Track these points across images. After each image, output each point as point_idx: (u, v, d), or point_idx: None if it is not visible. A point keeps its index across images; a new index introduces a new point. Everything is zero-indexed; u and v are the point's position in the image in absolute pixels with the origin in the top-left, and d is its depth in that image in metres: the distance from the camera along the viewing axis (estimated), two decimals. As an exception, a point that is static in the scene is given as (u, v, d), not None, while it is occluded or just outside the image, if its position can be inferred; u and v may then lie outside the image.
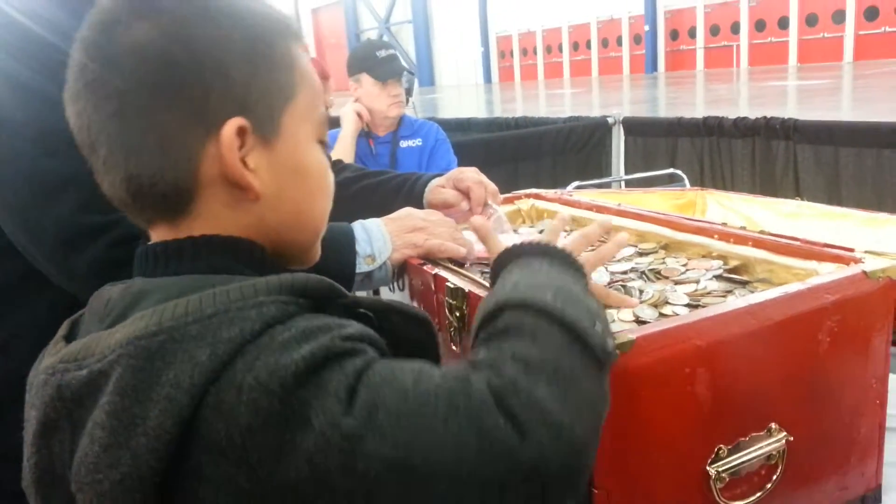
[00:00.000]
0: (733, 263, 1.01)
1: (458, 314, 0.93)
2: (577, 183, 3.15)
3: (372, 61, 2.65)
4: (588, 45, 25.09)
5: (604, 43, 24.70)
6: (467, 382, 0.50)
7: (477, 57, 29.00)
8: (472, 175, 1.26)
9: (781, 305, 0.78)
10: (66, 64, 0.92)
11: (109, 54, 0.57)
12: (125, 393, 0.49)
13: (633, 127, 4.22)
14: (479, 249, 1.09)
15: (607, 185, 3.74)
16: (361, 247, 1.05)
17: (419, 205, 1.26)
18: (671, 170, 3.50)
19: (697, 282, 0.96)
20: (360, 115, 2.70)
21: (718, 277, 0.98)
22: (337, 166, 1.41)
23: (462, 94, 22.44)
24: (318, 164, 0.65)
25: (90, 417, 0.51)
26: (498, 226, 1.18)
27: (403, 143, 2.83)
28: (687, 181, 3.37)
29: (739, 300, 0.80)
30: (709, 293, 0.92)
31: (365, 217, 1.13)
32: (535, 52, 27.43)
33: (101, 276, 0.89)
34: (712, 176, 3.73)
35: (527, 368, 0.51)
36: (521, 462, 0.47)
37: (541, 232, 1.28)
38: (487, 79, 29.21)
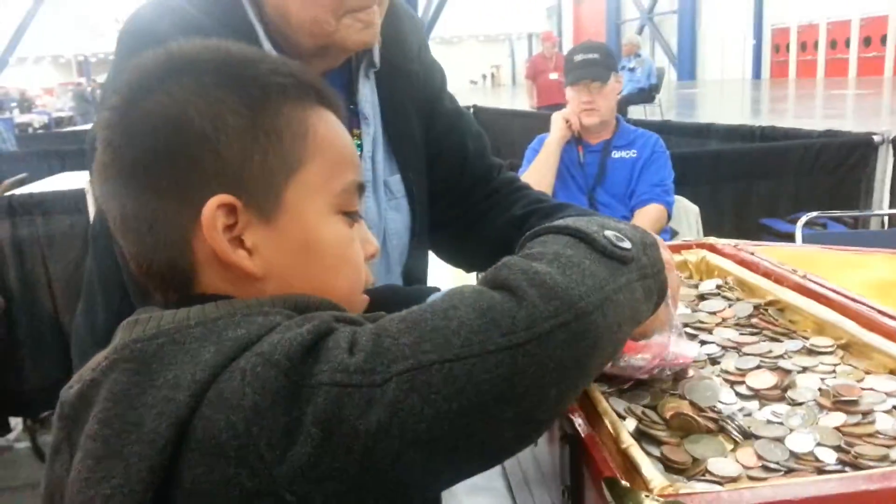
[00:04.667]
0: (931, 393, 0.74)
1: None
2: (813, 214, 2.69)
3: (570, 65, 2.53)
4: (883, 41, 21.88)
5: (903, 37, 21.36)
6: (457, 289, 0.51)
7: (746, 50, 26.73)
8: None
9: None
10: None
11: (120, 126, 0.56)
12: (118, 399, 0.47)
13: (908, 148, 3.53)
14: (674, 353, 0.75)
15: (864, 222, 3.17)
16: None
17: None
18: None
19: (868, 412, 0.72)
20: (568, 122, 2.58)
21: (902, 410, 0.72)
22: (510, 184, 1.18)
23: (724, 91, 20.86)
24: (336, 238, 0.60)
25: (83, 432, 0.49)
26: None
27: (616, 154, 2.68)
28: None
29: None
30: (874, 434, 0.68)
31: None
32: (815, 47, 24.57)
33: None
34: None
35: (525, 255, 0.54)
36: (518, 321, 0.47)
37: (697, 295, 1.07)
38: (756, 74, 26.83)
